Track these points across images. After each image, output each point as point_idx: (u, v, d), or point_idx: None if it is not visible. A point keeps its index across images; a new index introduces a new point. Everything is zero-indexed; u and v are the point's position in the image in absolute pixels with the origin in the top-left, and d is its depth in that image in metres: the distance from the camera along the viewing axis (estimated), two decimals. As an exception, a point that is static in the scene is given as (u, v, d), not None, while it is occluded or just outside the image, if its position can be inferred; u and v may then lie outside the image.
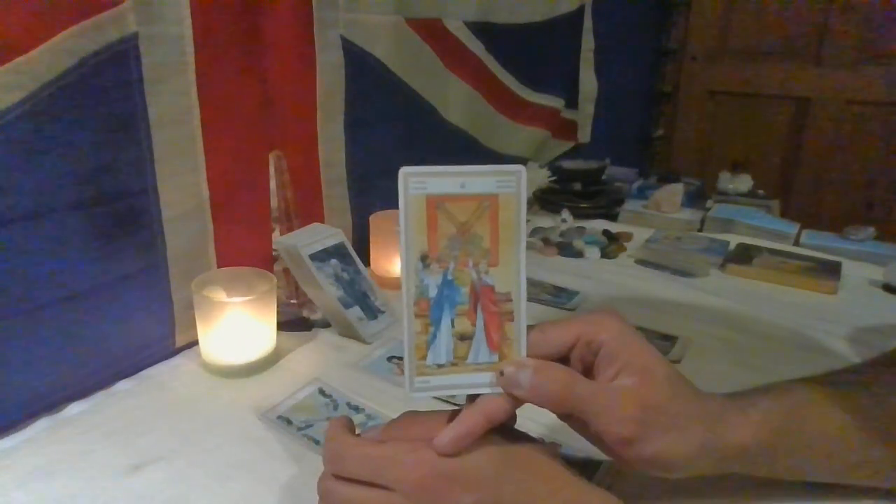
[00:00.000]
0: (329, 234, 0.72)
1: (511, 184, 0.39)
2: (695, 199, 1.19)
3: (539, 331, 0.40)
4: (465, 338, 0.39)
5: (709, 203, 1.19)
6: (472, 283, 0.39)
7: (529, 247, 0.99)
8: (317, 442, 0.52)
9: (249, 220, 0.71)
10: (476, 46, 1.06)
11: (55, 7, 0.49)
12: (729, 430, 0.42)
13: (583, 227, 1.06)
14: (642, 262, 0.95)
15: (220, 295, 0.63)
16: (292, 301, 0.75)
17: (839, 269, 0.91)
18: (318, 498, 0.41)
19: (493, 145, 1.21)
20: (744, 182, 1.24)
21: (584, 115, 1.50)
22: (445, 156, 1.05)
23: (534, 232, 1.05)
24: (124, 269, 0.59)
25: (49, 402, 0.56)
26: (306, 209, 0.77)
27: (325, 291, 0.68)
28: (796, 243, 1.04)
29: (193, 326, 0.63)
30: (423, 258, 0.38)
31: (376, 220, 0.84)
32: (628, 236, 1.05)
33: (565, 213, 1.08)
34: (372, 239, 0.84)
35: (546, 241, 1.00)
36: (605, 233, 1.05)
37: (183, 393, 0.59)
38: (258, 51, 0.67)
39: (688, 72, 2.09)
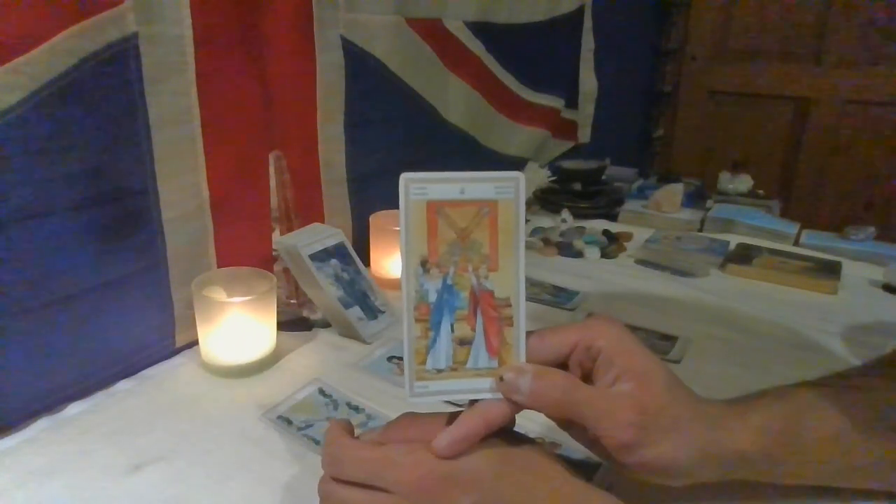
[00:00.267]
0: (329, 234, 0.72)
1: (510, 190, 0.39)
2: (695, 199, 1.19)
3: (538, 336, 0.41)
4: (464, 342, 0.39)
5: (709, 203, 1.19)
6: (471, 288, 0.39)
7: (529, 247, 0.99)
8: (317, 442, 0.52)
9: (249, 221, 0.71)
10: (476, 46, 1.06)
11: (55, 7, 0.49)
12: (728, 435, 0.42)
13: (583, 227, 1.06)
14: (642, 262, 0.95)
15: (220, 295, 0.63)
16: (292, 301, 0.75)
17: (839, 269, 0.91)
18: (318, 499, 0.41)
19: (493, 145, 1.21)
20: (744, 182, 1.24)
21: (584, 115, 1.50)
22: (445, 156, 1.06)
23: (534, 232, 1.05)
24: (124, 269, 0.59)
25: (49, 402, 0.56)
26: (306, 209, 0.77)
27: (325, 291, 0.68)
28: (796, 243, 1.04)
29: (193, 326, 0.63)
30: (424, 263, 0.38)
31: (376, 220, 0.84)
32: (628, 236, 1.05)
33: (565, 213, 1.08)
34: (372, 239, 0.84)
35: (546, 241, 1.00)
36: (605, 233, 1.05)
37: (183, 393, 0.59)
38: (258, 51, 0.67)
39: (688, 72, 2.09)
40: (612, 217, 1.16)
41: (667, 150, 2.16)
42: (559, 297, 0.82)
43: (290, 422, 0.55)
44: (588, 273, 0.91)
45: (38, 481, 0.47)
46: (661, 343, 0.70)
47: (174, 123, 0.60)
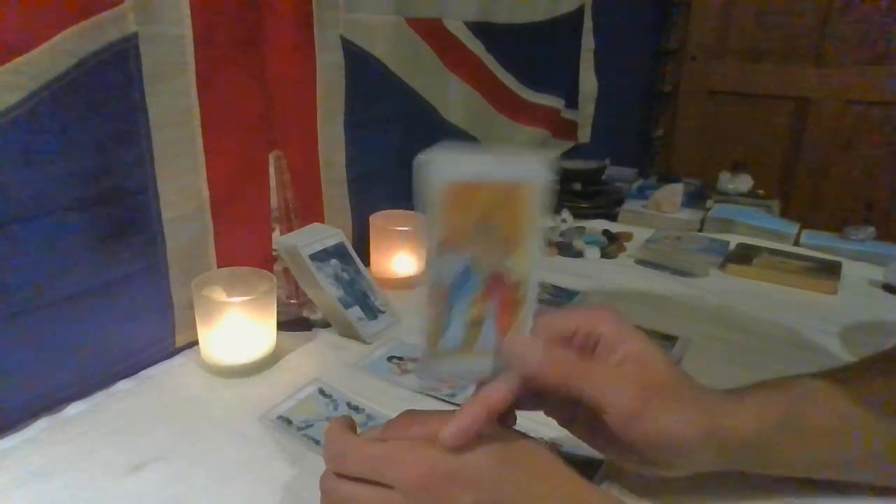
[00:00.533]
0: (329, 234, 0.72)
1: (535, 173, 0.38)
2: (695, 199, 1.19)
3: (543, 319, 0.41)
4: (476, 324, 0.39)
5: (709, 203, 1.19)
6: (488, 271, 0.38)
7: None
8: (317, 442, 0.52)
9: (249, 220, 0.71)
10: (476, 46, 1.06)
11: (55, 7, 0.49)
12: (728, 419, 0.42)
13: (583, 227, 1.06)
14: (642, 262, 0.95)
15: (220, 295, 0.63)
16: (292, 301, 0.75)
17: (839, 269, 0.91)
18: (318, 498, 0.41)
19: (493, 145, 1.21)
20: (744, 182, 1.24)
21: (584, 115, 1.50)
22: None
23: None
24: (124, 269, 0.59)
25: (49, 402, 0.56)
26: (306, 209, 0.77)
27: (325, 291, 0.68)
28: (796, 243, 1.04)
29: (193, 326, 0.63)
30: (443, 244, 0.37)
31: (376, 220, 0.84)
32: (628, 236, 1.05)
33: (565, 213, 1.08)
34: (372, 239, 0.84)
35: (546, 241, 1.00)
36: (605, 233, 1.05)
37: (183, 393, 0.59)
38: (258, 51, 0.67)
39: (688, 72, 2.09)
40: (612, 217, 1.16)
41: (667, 150, 2.16)
42: (559, 297, 0.82)
43: (290, 422, 0.55)
44: (588, 273, 0.91)
45: (38, 481, 0.47)
46: (662, 343, 0.70)
47: (174, 123, 0.60)
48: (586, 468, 0.49)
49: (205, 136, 0.63)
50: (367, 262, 0.81)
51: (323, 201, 0.81)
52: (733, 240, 1.04)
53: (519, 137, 1.29)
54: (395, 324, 0.73)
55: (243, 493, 0.47)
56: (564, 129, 1.46)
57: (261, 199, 0.72)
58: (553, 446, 0.52)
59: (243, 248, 0.70)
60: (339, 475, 0.39)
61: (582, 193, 1.18)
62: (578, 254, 0.98)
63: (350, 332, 0.70)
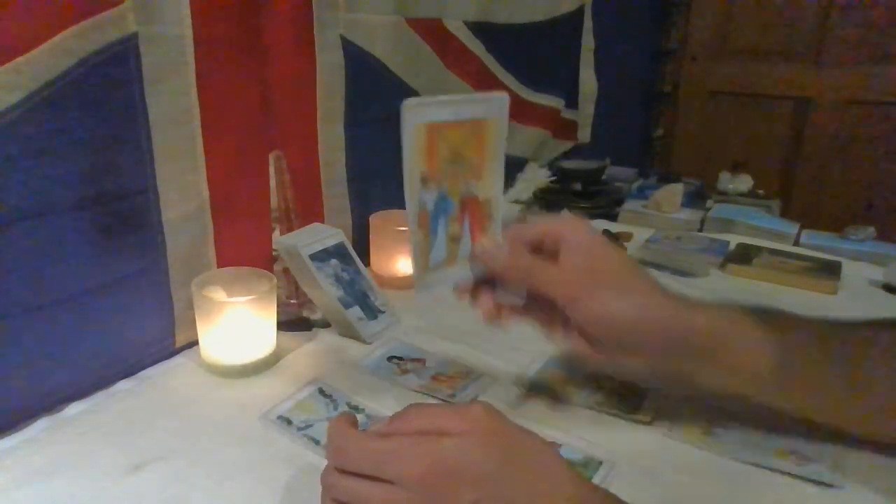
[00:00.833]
0: (329, 234, 0.72)
1: (495, 108, 0.47)
2: (695, 199, 1.19)
3: (516, 228, 0.50)
4: (455, 239, 0.48)
5: (709, 203, 1.19)
6: (460, 196, 0.47)
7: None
8: (317, 442, 0.52)
9: (249, 221, 0.71)
10: (476, 46, 1.06)
11: (55, 7, 0.49)
12: (681, 311, 0.47)
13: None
14: (642, 262, 0.95)
15: (220, 295, 0.63)
16: (292, 301, 0.75)
17: (839, 269, 0.91)
18: (318, 498, 0.41)
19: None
20: (744, 182, 1.24)
21: (584, 115, 1.50)
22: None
23: (534, 232, 1.05)
24: (124, 269, 0.59)
25: (49, 402, 0.56)
26: (306, 209, 0.77)
27: (325, 291, 0.68)
28: (796, 243, 1.04)
29: (193, 326, 0.63)
30: (423, 179, 0.45)
31: (376, 220, 0.84)
32: (628, 236, 1.05)
33: (565, 213, 1.07)
34: (372, 239, 0.84)
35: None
36: (605, 233, 1.05)
37: (183, 393, 0.59)
38: (258, 51, 0.67)
39: (688, 72, 2.10)
40: (612, 217, 1.16)
41: (667, 150, 2.16)
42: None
43: (290, 422, 0.55)
44: (588, 273, 0.91)
45: (38, 481, 0.47)
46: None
47: (174, 123, 0.60)
48: (587, 469, 0.49)
49: (205, 136, 0.63)
50: (367, 262, 0.81)
51: (323, 201, 0.81)
52: (733, 240, 1.03)
53: (519, 137, 1.29)
54: (395, 324, 0.73)
55: (243, 493, 0.47)
56: (564, 129, 1.46)
57: (261, 199, 0.72)
58: (553, 446, 0.52)
59: (243, 248, 0.70)
60: (341, 471, 0.39)
61: (582, 193, 1.18)
62: (578, 254, 0.97)
63: (350, 332, 0.70)
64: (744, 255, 0.96)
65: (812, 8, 1.88)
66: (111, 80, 0.54)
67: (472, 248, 0.49)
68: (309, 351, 0.68)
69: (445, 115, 0.45)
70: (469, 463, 0.37)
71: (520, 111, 1.26)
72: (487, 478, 0.36)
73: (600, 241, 0.49)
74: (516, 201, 1.24)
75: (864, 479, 0.49)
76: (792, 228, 1.07)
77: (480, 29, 1.05)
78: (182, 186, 0.62)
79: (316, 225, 0.74)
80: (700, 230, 1.10)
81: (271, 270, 0.71)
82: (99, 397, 0.58)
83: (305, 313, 0.73)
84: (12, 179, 0.48)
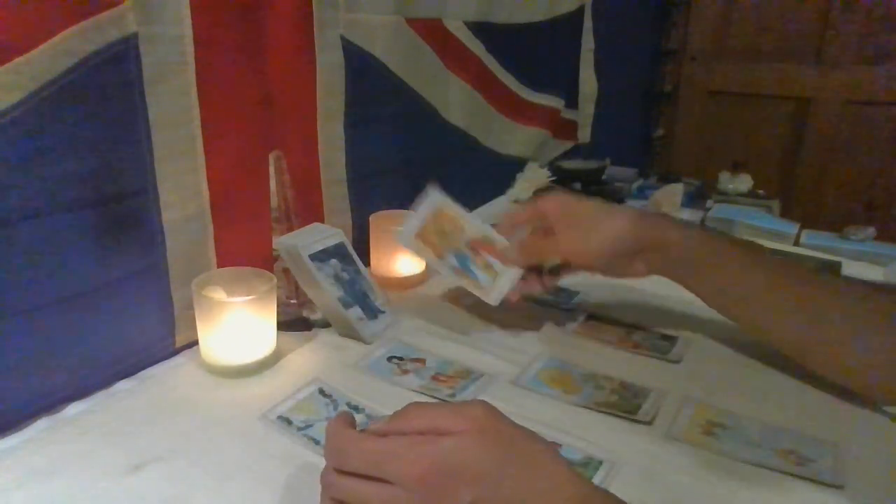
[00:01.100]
0: (329, 234, 0.72)
1: (434, 198, 0.72)
2: (695, 199, 1.19)
3: (508, 217, 0.70)
4: (486, 265, 0.69)
5: (709, 203, 1.19)
6: (464, 245, 0.70)
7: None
8: (317, 442, 0.52)
9: (249, 221, 0.71)
10: (476, 46, 1.06)
11: (55, 7, 0.49)
12: (658, 227, 0.62)
13: (578, 192, 1.06)
14: (642, 262, 0.95)
15: (220, 295, 0.63)
16: (292, 301, 0.75)
17: (839, 269, 0.91)
18: (318, 497, 0.41)
19: (493, 145, 1.21)
20: (744, 182, 1.24)
21: (584, 115, 1.50)
22: (445, 156, 1.06)
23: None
24: (124, 269, 0.59)
25: (49, 402, 0.56)
26: (306, 209, 0.77)
27: (325, 291, 0.68)
28: (796, 243, 1.04)
29: (193, 326, 0.63)
30: (439, 257, 0.69)
31: (376, 220, 0.84)
32: (628, 236, 1.05)
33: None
34: (372, 239, 0.84)
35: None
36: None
37: (183, 393, 0.59)
38: (258, 51, 0.67)
39: (688, 72, 2.10)
40: (613, 217, 1.16)
41: (667, 150, 2.16)
42: (559, 296, 0.81)
43: (290, 422, 0.55)
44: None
45: (38, 481, 0.47)
46: (662, 343, 0.70)
47: (174, 123, 0.60)
48: (586, 468, 0.49)
49: (205, 136, 0.63)
50: (367, 262, 0.81)
51: (323, 201, 0.81)
52: (733, 240, 1.04)
53: (519, 137, 1.29)
54: (395, 324, 0.73)
55: (243, 493, 0.47)
56: (564, 129, 1.46)
57: (261, 199, 0.72)
58: (552, 446, 0.52)
59: (243, 248, 0.70)
60: (339, 471, 0.39)
61: (582, 193, 1.18)
62: (578, 254, 0.97)
63: (350, 332, 0.70)
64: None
65: (812, 8, 1.88)
66: (111, 80, 0.54)
67: (497, 262, 0.69)
68: (309, 351, 0.68)
69: (414, 225, 0.69)
70: (468, 462, 0.37)
71: (520, 111, 1.26)
72: (486, 477, 0.36)
73: (574, 205, 0.66)
74: (516, 201, 1.24)
75: (864, 479, 0.49)
76: (792, 228, 1.07)
77: (480, 29, 1.05)
78: (182, 186, 0.62)
79: (316, 225, 0.74)
80: (700, 230, 1.10)
81: (271, 270, 0.71)
82: (99, 397, 0.58)
83: (305, 313, 0.73)
84: (12, 179, 0.48)
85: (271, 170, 0.72)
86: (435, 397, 0.59)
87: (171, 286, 0.63)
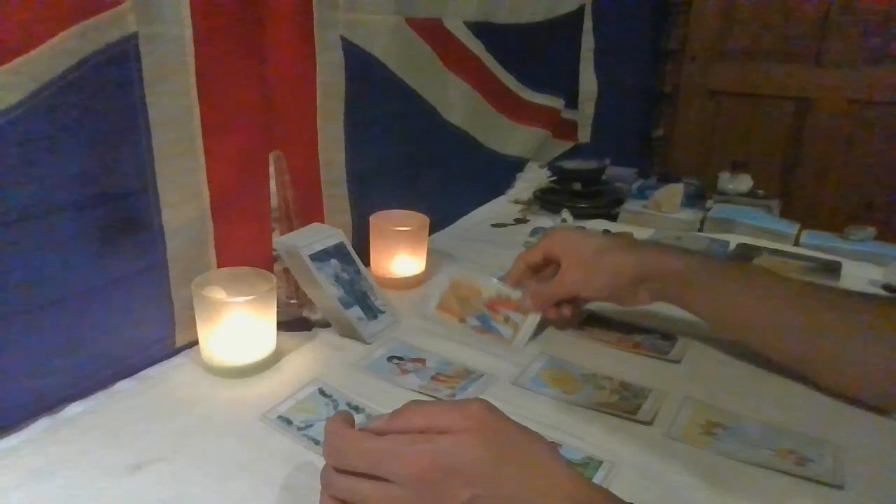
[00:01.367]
0: (329, 234, 0.72)
1: (445, 276, 0.78)
2: (695, 199, 1.19)
3: (523, 264, 0.72)
4: (506, 318, 0.72)
5: (709, 203, 1.19)
6: (484, 306, 0.74)
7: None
8: (317, 442, 0.52)
9: (249, 220, 0.71)
10: (476, 46, 1.06)
11: (55, 7, 0.49)
12: (655, 257, 0.65)
13: (582, 228, 1.06)
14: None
15: (220, 295, 0.63)
16: (292, 301, 0.75)
17: (839, 269, 0.91)
18: (318, 497, 0.41)
19: (493, 145, 1.21)
20: (744, 182, 1.24)
21: (584, 115, 1.50)
22: (445, 156, 1.06)
23: (534, 232, 1.05)
24: (124, 270, 0.59)
25: (49, 402, 0.56)
26: (306, 209, 0.77)
27: (325, 291, 0.68)
28: (796, 243, 1.04)
29: (193, 326, 0.63)
30: (462, 322, 0.73)
31: (376, 220, 0.84)
32: (628, 236, 1.05)
33: (565, 213, 1.08)
34: (372, 239, 0.84)
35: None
36: (606, 233, 1.05)
37: (183, 393, 0.59)
38: (258, 51, 0.67)
39: (688, 72, 2.09)
40: (612, 217, 1.16)
41: (667, 150, 2.16)
42: (559, 297, 0.81)
43: (290, 422, 0.55)
44: (588, 273, 0.91)
45: (38, 481, 0.47)
46: (661, 343, 0.70)
47: (174, 123, 0.60)
48: (586, 468, 0.49)
49: (205, 136, 0.63)
50: (367, 262, 0.81)
51: (323, 201, 0.81)
52: (733, 240, 1.04)
53: (519, 137, 1.29)
54: (395, 324, 0.73)
55: (243, 493, 0.47)
56: (564, 129, 1.46)
57: (261, 199, 0.72)
58: (552, 445, 0.52)
59: (243, 248, 0.70)
60: (339, 469, 0.39)
61: (582, 193, 1.18)
62: (578, 254, 0.97)
63: (350, 332, 0.70)
64: (744, 256, 0.96)
65: (812, 8, 1.88)
66: (111, 80, 0.54)
67: (514, 314, 0.72)
68: (309, 351, 0.68)
69: (433, 300, 0.76)
70: (466, 461, 0.37)
71: (520, 111, 1.26)
72: (485, 475, 0.36)
73: (578, 242, 0.69)
74: (516, 201, 1.24)
75: (864, 479, 0.49)
76: (792, 228, 1.07)
77: (480, 29, 1.05)
78: (182, 186, 0.62)
79: (316, 225, 0.74)
80: (700, 230, 1.10)
81: (271, 270, 0.71)
82: (99, 397, 0.58)
83: (305, 313, 0.73)
84: (12, 179, 0.48)
85: (271, 170, 0.72)
86: (435, 397, 0.59)
87: (171, 286, 0.63)
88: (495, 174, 1.27)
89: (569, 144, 1.48)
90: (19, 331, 0.51)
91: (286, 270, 0.72)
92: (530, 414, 0.56)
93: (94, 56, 0.52)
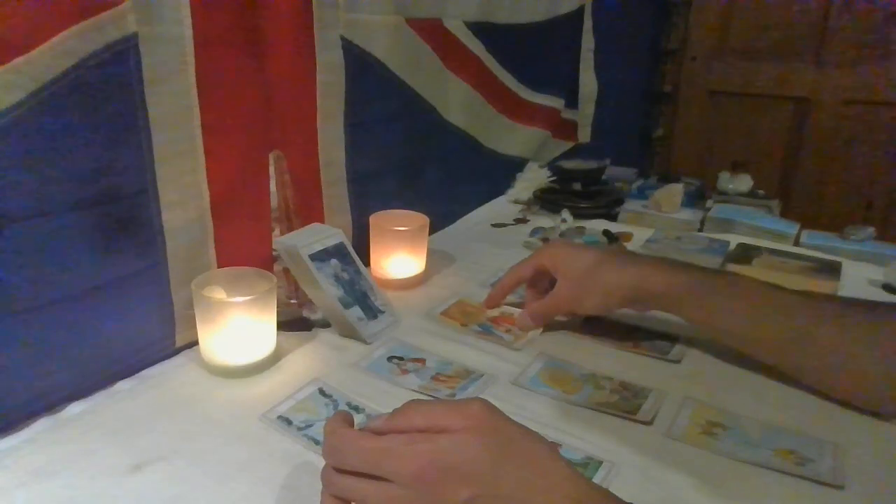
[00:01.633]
0: (329, 234, 0.72)
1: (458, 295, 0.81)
2: (695, 199, 1.19)
3: (514, 274, 0.74)
4: (508, 331, 0.73)
5: (709, 203, 1.19)
6: (486, 318, 0.76)
7: (529, 247, 0.99)
8: (317, 442, 0.52)
9: (249, 221, 0.71)
10: (476, 46, 1.06)
11: (55, 7, 0.49)
12: (646, 279, 0.65)
13: (583, 227, 1.06)
14: (642, 262, 0.95)
15: (220, 295, 0.63)
16: (292, 301, 0.75)
17: (839, 269, 0.91)
18: (318, 497, 0.41)
19: (493, 145, 1.21)
20: (744, 182, 1.24)
21: (584, 115, 1.50)
22: (445, 156, 1.06)
23: (533, 232, 1.05)
24: (124, 269, 0.59)
25: (49, 402, 0.56)
26: (306, 209, 0.77)
27: (325, 291, 0.68)
28: (796, 243, 1.04)
29: (193, 326, 0.63)
30: (464, 326, 0.74)
31: (376, 220, 0.84)
32: (628, 236, 1.05)
33: (565, 213, 1.08)
34: (372, 239, 0.84)
35: (546, 241, 1.00)
36: (605, 233, 1.05)
37: (183, 393, 0.59)
38: (258, 51, 0.67)
39: (688, 72, 2.09)
40: (612, 217, 1.16)
41: (667, 150, 2.16)
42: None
43: (290, 422, 0.55)
44: (588, 273, 0.91)
45: (38, 481, 0.47)
46: (661, 343, 0.70)
47: (174, 124, 0.60)
48: (586, 468, 0.49)
49: (205, 136, 0.63)
50: (367, 262, 0.81)
51: (323, 201, 0.81)
52: (733, 240, 1.04)
53: (519, 137, 1.29)
54: (395, 324, 0.73)
55: (243, 493, 0.47)
56: (564, 129, 1.46)
57: (261, 199, 0.72)
58: (552, 445, 0.52)
59: (243, 248, 0.70)
60: (338, 469, 0.39)
61: (582, 193, 1.18)
62: (578, 254, 0.97)
63: (350, 332, 0.70)
64: (744, 256, 0.96)
65: (812, 8, 1.88)
66: (111, 81, 0.54)
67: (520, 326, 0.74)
68: (309, 351, 0.68)
69: (436, 310, 0.76)
70: (465, 460, 0.37)
71: (520, 111, 1.26)
72: (484, 475, 0.36)
73: (573, 256, 0.70)
74: (516, 201, 1.24)
75: (864, 479, 0.49)
76: (792, 228, 1.07)
77: (480, 29, 1.05)
78: (182, 187, 0.62)
79: (316, 225, 0.74)
80: (700, 230, 1.10)
81: (271, 270, 0.71)
82: (99, 397, 0.58)
83: (305, 313, 0.73)
84: (12, 179, 0.48)
85: (271, 170, 0.72)
86: (435, 397, 0.59)
87: (171, 286, 0.63)
88: (495, 174, 1.27)
89: (569, 144, 1.48)
90: (19, 331, 0.51)
91: (286, 270, 0.72)
92: (530, 414, 0.56)
93: (94, 56, 0.52)
